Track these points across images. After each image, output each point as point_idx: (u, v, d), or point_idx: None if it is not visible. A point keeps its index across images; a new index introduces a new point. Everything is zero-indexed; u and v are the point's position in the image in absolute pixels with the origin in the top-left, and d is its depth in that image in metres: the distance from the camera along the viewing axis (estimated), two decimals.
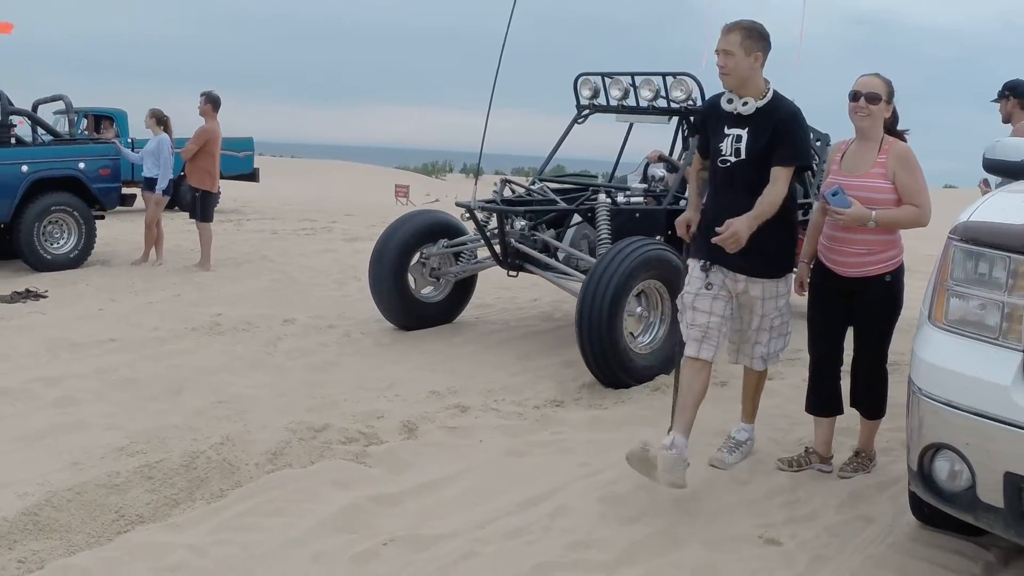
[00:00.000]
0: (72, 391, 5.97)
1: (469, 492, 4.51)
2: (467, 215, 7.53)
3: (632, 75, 7.91)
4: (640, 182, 8.09)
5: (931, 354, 3.30)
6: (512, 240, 7.28)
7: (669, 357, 6.60)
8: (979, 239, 3.18)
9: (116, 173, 11.41)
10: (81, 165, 11.02)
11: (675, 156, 8.59)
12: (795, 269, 4.82)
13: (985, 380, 3.07)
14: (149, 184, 11.11)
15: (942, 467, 3.22)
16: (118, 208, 12.28)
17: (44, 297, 9.13)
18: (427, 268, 7.88)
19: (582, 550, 3.89)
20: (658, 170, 8.14)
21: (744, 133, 4.52)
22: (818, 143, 8.52)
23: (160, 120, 11.17)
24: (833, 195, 4.41)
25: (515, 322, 8.36)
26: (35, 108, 12.13)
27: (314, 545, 3.90)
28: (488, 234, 7.44)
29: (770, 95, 4.52)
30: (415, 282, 7.86)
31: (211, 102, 10.71)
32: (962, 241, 3.25)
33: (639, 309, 6.57)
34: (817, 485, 4.66)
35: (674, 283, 6.57)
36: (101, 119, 16.56)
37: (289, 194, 25.98)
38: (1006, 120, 6.83)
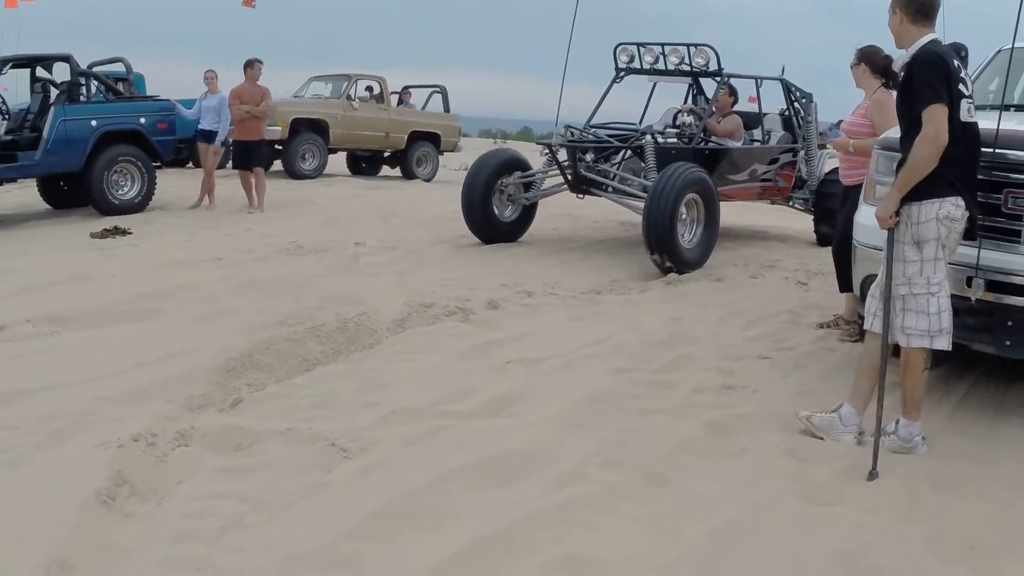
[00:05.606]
0: (212, 290, 7.35)
1: (551, 337, 6.29)
2: (546, 151, 9.38)
3: (662, 44, 9.68)
4: (670, 127, 10.06)
5: (863, 218, 5.12)
6: (582, 170, 9.27)
7: (703, 253, 8.73)
8: (891, 147, 4.84)
9: (172, 127, 12.89)
10: (142, 120, 12.48)
11: None
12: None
13: None
14: (206, 137, 12.63)
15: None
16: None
17: (130, 233, 10.46)
18: (504, 195, 9.90)
19: (641, 362, 5.71)
20: (688, 118, 9.93)
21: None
22: (803, 100, 10.16)
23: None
24: (829, 130, 6.18)
25: (557, 240, 10.11)
26: (91, 69, 13.42)
27: (460, 365, 5.61)
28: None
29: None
30: (496, 205, 9.86)
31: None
32: (881, 148, 5.00)
33: (684, 215, 8.53)
34: (795, 332, 6.56)
35: (707, 197, 8.63)
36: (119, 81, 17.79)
37: None
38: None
